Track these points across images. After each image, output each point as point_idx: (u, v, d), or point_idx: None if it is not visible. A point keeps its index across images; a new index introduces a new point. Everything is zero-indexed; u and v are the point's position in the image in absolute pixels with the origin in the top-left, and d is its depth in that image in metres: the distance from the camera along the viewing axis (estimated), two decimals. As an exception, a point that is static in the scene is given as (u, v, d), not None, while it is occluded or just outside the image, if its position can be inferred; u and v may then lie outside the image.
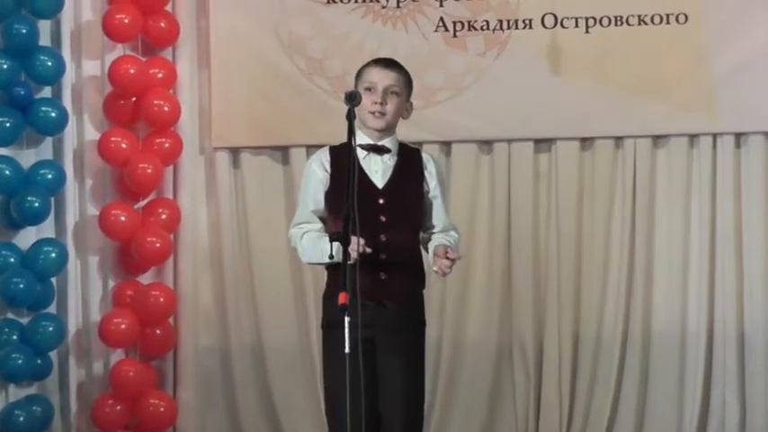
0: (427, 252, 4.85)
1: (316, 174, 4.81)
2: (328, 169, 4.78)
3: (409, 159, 4.86)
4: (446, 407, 6.62)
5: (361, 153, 4.77)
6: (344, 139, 4.63)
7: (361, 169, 4.70)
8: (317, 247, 4.71)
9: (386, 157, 4.81)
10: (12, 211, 6.29)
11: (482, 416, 6.63)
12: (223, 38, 6.62)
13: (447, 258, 4.63)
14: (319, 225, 4.80)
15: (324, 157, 4.82)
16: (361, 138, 4.78)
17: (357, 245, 4.43)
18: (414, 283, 4.83)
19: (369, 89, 4.77)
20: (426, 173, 4.87)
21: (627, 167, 6.57)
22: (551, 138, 6.60)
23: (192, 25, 6.66)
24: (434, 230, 4.88)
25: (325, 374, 4.82)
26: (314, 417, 6.56)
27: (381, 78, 4.79)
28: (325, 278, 4.86)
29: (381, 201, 4.75)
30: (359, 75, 4.85)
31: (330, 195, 4.76)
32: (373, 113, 4.75)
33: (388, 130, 4.81)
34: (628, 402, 6.57)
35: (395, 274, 4.73)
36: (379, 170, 4.79)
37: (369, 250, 4.51)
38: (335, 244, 4.47)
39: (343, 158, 4.66)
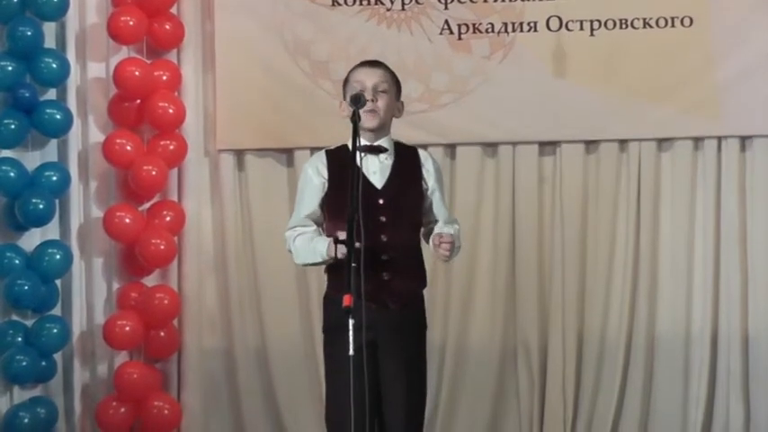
0: (428, 244, 4.86)
1: (312, 180, 4.82)
2: (325, 175, 4.80)
3: (407, 158, 4.87)
4: (450, 409, 6.62)
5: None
6: (348, 140, 4.66)
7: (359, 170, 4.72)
8: (309, 247, 4.75)
9: (382, 156, 4.81)
10: (16, 212, 6.28)
11: (486, 418, 6.63)
12: (228, 40, 6.62)
13: (442, 242, 4.65)
14: (312, 228, 4.82)
15: (320, 162, 4.84)
16: None
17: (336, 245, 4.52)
18: (416, 284, 4.84)
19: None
20: (424, 171, 4.88)
21: (632, 170, 6.56)
22: (556, 141, 6.60)
23: (196, 28, 6.66)
24: (435, 224, 4.89)
25: (326, 378, 4.82)
26: (318, 420, 6.49)
27: (369, 77, 4.80)
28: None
29: (381, 201, 4.75)
30: (346, 80, 4.88)
31: (329, 199, 4.77)
32: (366, 112, 4.75)
33: (382, 128, 4.81)
34: (632, 405, 6.57)
35: (397, 275, 4.73)
36: (377, 170, 4.79)
37: (357, 244, 4.49)
38: (341, 246, 4.50)
39: (341, 161, 4.71)
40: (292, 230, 4.85)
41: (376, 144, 4.81)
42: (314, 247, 4.72)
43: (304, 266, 5.06)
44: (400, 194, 4.79)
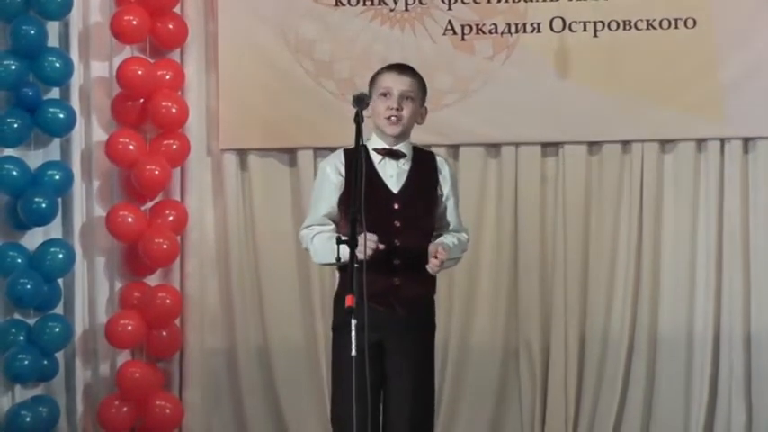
0: None
1: (330, 178, 4.81)
2: (343, 173, 4.79)
3: (424, 164, 4.86)
4: (453, 408, 6.63)
5: (376, 157, 4.78)
6: (352, 141, 4.64)
7: (376, 174, 4.73)
8: (327, 247, 4.70)
9: (401, 161, 4.81)
10: (19, 211, 6.29)
11: (488, 417, 6.64)
12: (231, 40, 6.62)
13: (435, 257, 4.65)
14: (331, 227, 4.80)
15: (338, 160, 4.82)
16: (376, 142, 4.80)
17: (366, 241, 4.44)
18: (426, 289, 4.84)
19: (384, 95, 4.77)
20: (441, 177, 4.87)
21: (634, 172, 6.56)
22: (559, 142, 6.60)
23: (200, 27, 6.67)
24: (445, 230, 4.89)
25: (332, 376, 4.82)
26: (320, 419, 6.56)
27: (397, 84, 4.79)
28: (334, 280, 4.88)
29: (396, 206, 4.75)
30: (373, 81, 4.85)
31: (345, 198, 4.74)
32: (389, 119, 4.75)
33: (404, 135, 4.81)
34: (634, 404, 6.58)
35: (408, 280, 4.73)
36: (393, 175, 4.79)
37: (382, 246, 4.52)
38: (343, 246, 4.49)
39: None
40: (309, 229, 4.83)
41: (395, 148, 4.81)
42: (332, 247, 4.63)
43: (323, 265, 5.05)
44: (416, 200, 4.79)
